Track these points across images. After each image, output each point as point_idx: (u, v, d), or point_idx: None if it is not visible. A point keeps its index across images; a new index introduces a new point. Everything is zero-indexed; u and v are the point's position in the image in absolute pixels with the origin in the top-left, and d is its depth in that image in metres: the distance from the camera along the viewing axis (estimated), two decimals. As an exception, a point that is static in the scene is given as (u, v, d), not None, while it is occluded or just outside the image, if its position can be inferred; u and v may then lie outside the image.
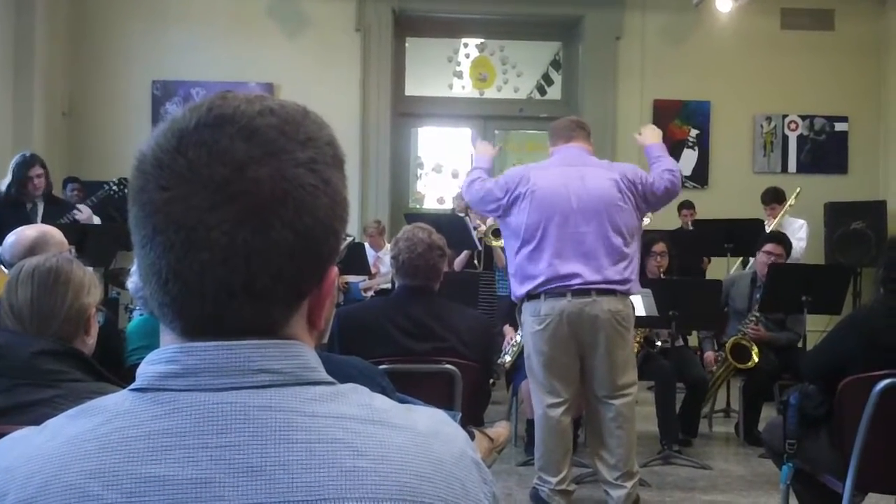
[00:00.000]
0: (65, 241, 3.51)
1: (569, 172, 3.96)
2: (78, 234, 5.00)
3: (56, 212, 5.69)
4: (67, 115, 8.80)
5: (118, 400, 0.79)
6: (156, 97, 8.93)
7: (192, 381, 0.77)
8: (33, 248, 3.26)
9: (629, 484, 3.91)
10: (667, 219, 7.25)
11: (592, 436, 4.07)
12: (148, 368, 0.80)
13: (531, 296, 3.90)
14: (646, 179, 3.96)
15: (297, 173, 0.78)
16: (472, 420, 3.30)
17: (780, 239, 5.81)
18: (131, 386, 0.80)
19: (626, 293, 3.91)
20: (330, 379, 0.82)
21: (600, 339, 3.83)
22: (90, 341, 2.20)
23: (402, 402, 0.87)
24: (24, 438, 0.80)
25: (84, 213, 5.85)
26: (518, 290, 3.97)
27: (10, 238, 3.42)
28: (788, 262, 5.86)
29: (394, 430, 0.79)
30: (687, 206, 8.29)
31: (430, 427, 0.82)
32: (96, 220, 6.06)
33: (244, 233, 0.76)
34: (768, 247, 5.70)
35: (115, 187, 6.08)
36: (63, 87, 8.73)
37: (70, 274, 2.15)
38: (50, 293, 2.11)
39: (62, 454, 0.75)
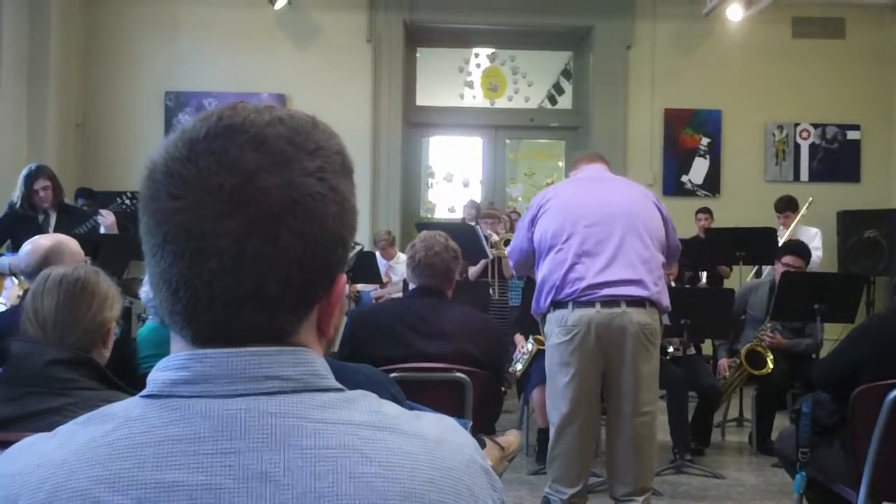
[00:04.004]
0: (80, 250, 3.53)
1: (596, 182, 3.94)
2: (92, 244, 5.01)
3: (70, 221, 5.69)
4: (81, 125, 8.86)
5: (128, 406, 0.80)
6: (168, 108, 8.99)
7: (202, 387, 0.78)
8: (48, 258, 3.28)
9: (640, 499, 3.81)
10: (684, 224, 7.22)
11: (609, 450, 3.93)
12: (158, 375, 0.81)
13: (557, 304, 3.75)
14: (668, 214, 3.95)
15: (305, 182, 0.79)
16: (484, 427, 3.30)
17: (801, 251, 5.74)
18: (142, 393, 0.81)
19: (655, 305, 3.75)
20: (339, 385, 0.83)
21: (626, 352, 3.68)
22: (106, 354, 2.23)
23: (411, 409, 0.87)
24: (35, 445, 0.81)
25: (108, 219, 5.84)
26: (543, 300, 3.79)
27: (26, 247, 3.45)
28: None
29: (402, 436, 0.80)
30: (704, 211, 8.28)
31: (438, 434, 0.83)
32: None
33: (253, 241, 0.77)
34: (787, 259, 5.64)
35: (127, 201, 6.09)
36: (76, 98, 8.79)
37: (97, 286, 2.17)
38: (75, 303, 2.13)
39: (73, 460, 0.76)
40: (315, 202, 0.79)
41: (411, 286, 3.47)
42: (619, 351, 3.70)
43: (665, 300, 3.81)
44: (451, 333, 3.26)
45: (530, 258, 3.97)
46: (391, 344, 3.21)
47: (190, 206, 0.77)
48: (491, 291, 6.59)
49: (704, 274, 7.52)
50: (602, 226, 3.73)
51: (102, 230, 5.80)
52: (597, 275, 3.67)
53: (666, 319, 4.70)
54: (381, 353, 3.16)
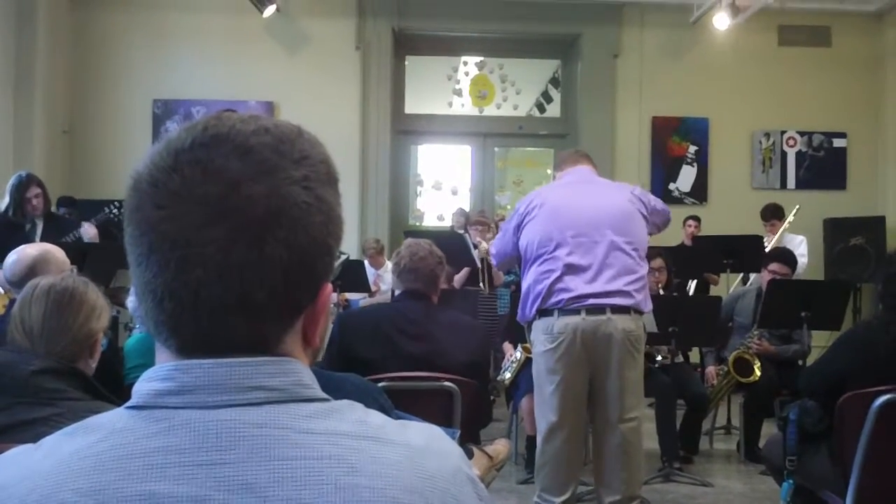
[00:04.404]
0: (66, 259, 3.51)
1: (581, 188, 3.95)
2: (79, 253, 4.99)
3: (56, 230, 5.67)
4: (68, 133, 8.83)
5: (114, 418, 0.80)
6: (156, 116, 8.97)
7: (187, 398, 0.78)
8: (34, 267, 3.27)
9: None
10: (670, 232, 7.25)
11: (596, 459, 3.96)
12: (144, 386, 0.81)
13: (543, 312, 3.79)
14: (650, 200, 3.99)
15: (291, 191, 0.79)
16: (471, 435, 3.30)
17: (786, 258, 5.77)
18: (127, 403, 0.81)
19: (638, 310, 3.81)
20: (324, 395, 0.82)
21: (612, 358, 3.72)
22: (93, 364, 2.22)
23: (399, 419, 0.87)
24: (21, 456, 0.80)
25: (90, 231, 5.82)
26: (529, 308, 3.84)
27: (12, 257, 3.42)
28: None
29: (388, 445, 0.80)
30: (693, 218, 8.32)
31: (424, 443, 0.82)
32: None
33: (238, 249, 0.77)
34: (774, 266, 5.68)
35: (115, 210, 6.08)
36: (63, 105, 8.77)
37: (84, 296, 2.17)
38: (63, 312, 2.13)
39: (58, 472, 0.76)
40: (300, 211, 0.79)
41: (397, 292, 3.48)
42: (605, 357, 3.73)
43: (647, 306, 3.88)
44: (438, 335, 3.28)
45: (514, 260, 4.06)
46: (378, 344, 3.23)
47: (175, 216, 0.77)
48: (482, 287, 6.64)
49: (694, 283, 7.51)
50: (587, 237, 3.77)
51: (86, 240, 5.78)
52: (582, 287, 3.73)
53: (653, 327, 4.72)
54: (367, 354, 3.18)
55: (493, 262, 4.35)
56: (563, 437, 3.83)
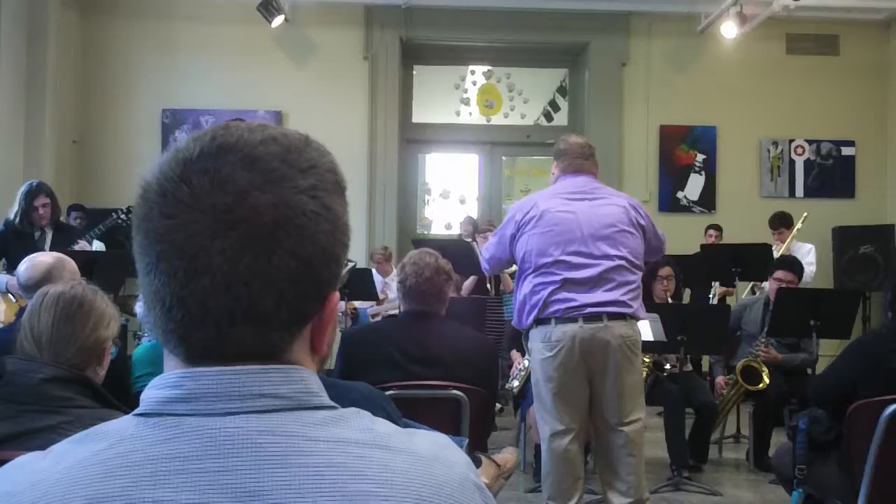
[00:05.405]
0: (77, 269, 3.54)
1: (578, 198, 3.96)
2: (87, 262, 5.01)
3: (65, 239, 5.71)
4: (78, 142, 8.87)
5: (122, 425, 0.80)
6: (165, 125, 9.01)
7: (195, 405, 0.78)
8: (48, 275, 3.29)
9: None
10: (679, 240, 7.24)
11: (602, 463, 3.97)
12: (152, 393, 0.81)
13: (540, 321, 3.83)
14: (650, 220, 3.99)
15: (298, 200, 0.79)
16: (476, 444, 3.28)
17: (791, 265, 5.78)
18: (135, 411, 0.81)
19: (635, 317, 3.86)
20: (332, 403, 0.83)
21: (610, 364, 3.76)
22: (101, 373, 2.23)
23: (406, 427, 0.87)
24: (29, 463, 0.81)
25: (85, 247, 5.85)
26: (525, 318, 3.88)
27: (25, 264, 3.45)
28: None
29: (395, 453, 0.80)
30: (714, 227, 8.29)
31: (431, 451, 0.83)
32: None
33: (246, 259, 0.77)
34: (779, 274, 5.68)
35: (123, 216, 6.11)
36: (73, 115, 8.81)
37: (93, 304, 2.18)
38: (71, 320, 2.14)
39: (66, 479, 0.76)
40: (308, 220, 0.80)
41: (403, 307, 3.43)
42: (603, 363, 3.76)
43: (642, 311, 3.93)
44: (446, 358, 3.24)
45: (507, 264, 4.17)
46: (382, 367, 3.19)
47: (183, 226, 0.78)
48: (488, 288, 6.66)
49: (717, 292, 7.36)
50: (585, 254, 3.78)
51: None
52: (579, 291, 3.76)
53: (661, 335, 4.70)
54: (372, 377, 3.15)
55: (485, 266, 4.29)
56: (566, 444, 3.84)
